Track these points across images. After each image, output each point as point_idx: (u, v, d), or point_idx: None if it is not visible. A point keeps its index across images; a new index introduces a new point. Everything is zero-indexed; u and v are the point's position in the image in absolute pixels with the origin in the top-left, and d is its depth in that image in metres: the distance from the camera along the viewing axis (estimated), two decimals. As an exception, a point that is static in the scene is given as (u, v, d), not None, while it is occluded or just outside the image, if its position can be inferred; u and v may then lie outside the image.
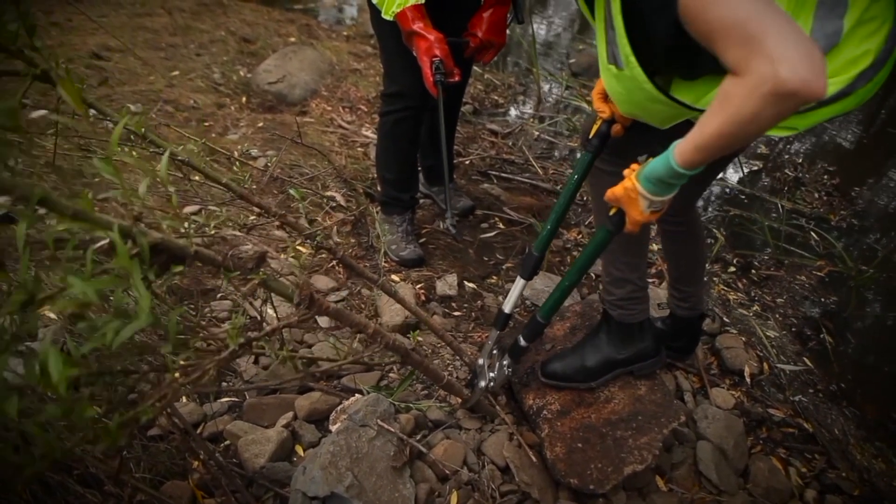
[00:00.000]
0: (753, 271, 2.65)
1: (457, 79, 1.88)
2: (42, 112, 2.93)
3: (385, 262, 2.30)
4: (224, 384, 1.75)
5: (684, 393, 1.94)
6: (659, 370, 1.76)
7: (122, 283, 0.63)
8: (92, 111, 1.10)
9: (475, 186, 2.92)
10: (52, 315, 1.80)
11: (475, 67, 3.77)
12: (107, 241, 0.67)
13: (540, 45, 4.85)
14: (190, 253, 0.79)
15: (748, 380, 2.04)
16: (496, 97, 4.03)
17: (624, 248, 1.57)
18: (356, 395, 1.65)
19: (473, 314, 2.16)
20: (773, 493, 1.66)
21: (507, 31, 2.06)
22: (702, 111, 1.07)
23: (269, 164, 2.77)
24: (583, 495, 1.52)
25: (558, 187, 3.01)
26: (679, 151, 1.02)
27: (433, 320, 1.89)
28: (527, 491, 1.49)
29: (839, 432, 1.91)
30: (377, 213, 2.45)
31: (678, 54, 1.06)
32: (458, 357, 1.86)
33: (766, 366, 2.13)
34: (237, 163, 2.67)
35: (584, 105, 3.89)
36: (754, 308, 2.42)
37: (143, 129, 1.14)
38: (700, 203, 3.11)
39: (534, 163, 3.20)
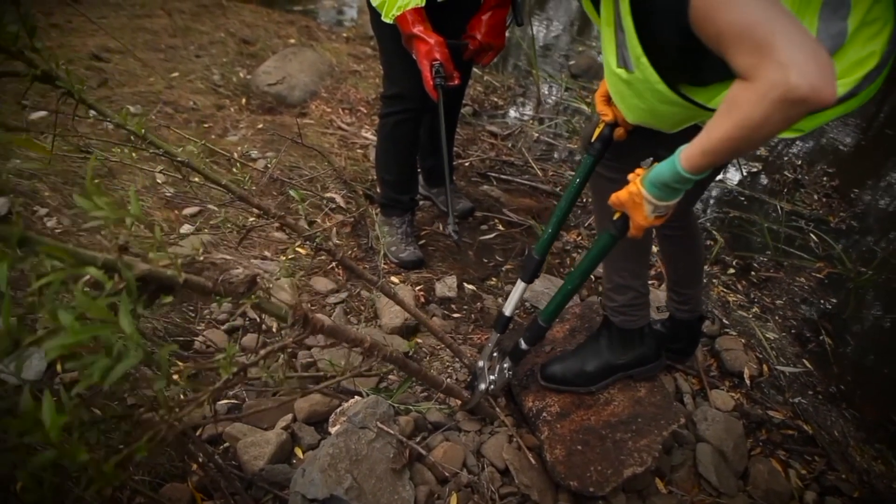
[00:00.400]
0: (753, 273, 2.65)
1: (456, 82, 1.88)
2: (42, 113, 2.94)
3: (384, 263, 2.30)
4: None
5: (684, 395, 1.94)
6: (658, 372, 1.76)
7: (109, 322, 0.63)
8: (92, 112, 1.10)
9: (475, 188, 2.92)
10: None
11: (475, 69, 3.77)
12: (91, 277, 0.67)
13: (539, 47, 4.85)
14: (179, 282, 0.79)
15: (748, 382, 2.04)
16: (496, 99, 4.03)
17: (626, 254, 1.56)
18: (355, 397, 1.65)
19: (473, 316, 2.16)
20: (772, 495, 1.66)
21: (507, 34, 2.06)
22: (713, 111, 1.06)
23: (268, 166, 2.77)
24: (582, 497, 1.52)
25: (558, 189, 3.01)
26: (685, 156, 1.01)
27: (433, 322, 1.89)
28: (526, 493, 1.49)
29: (839, 434, 1.91)
30: (377, 214, 2.45)
31: (688, 57, 1.06)
32: (457, 359, 1.86)
33: (765, 368, 2.13)
34: (237, 164, 2.68)
35: (584, 107, 3.90)
36: (754, 310, 2.42)
37: (143, 131, 1.14)
38: (699, 205, 3.11)
39: (533, 164, 3.20)
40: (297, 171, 2.80)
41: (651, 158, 1.54)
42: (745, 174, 3.45)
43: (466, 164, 3.12)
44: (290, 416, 1.64)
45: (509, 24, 2.04)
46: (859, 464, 1.81)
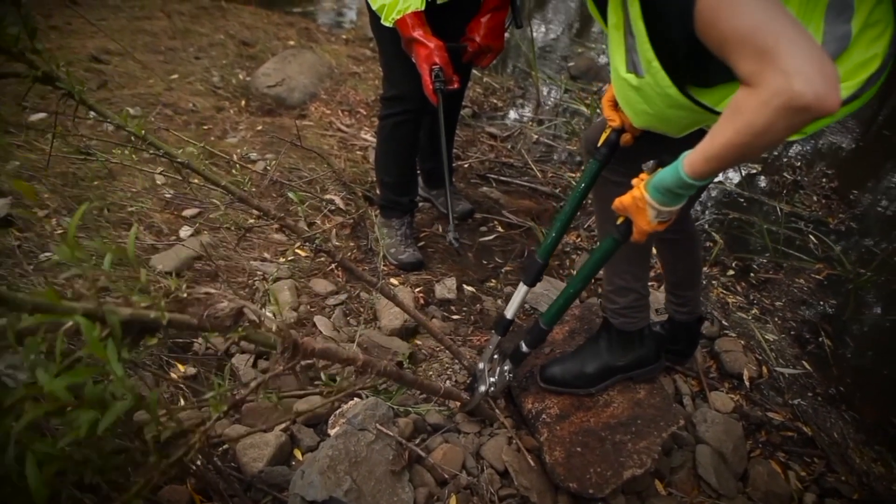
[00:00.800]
0: (752, 275, 2.65)
1: (456, 86, 1.88)
2: (41, 115, 2.94)
3: (384, 265, 2.30)
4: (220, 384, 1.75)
5: (683, 397, 1.94)
6: (658, 374, 1.76)
7: (93, 370, 0.62)
8: (91, 114, 1.10)
9: (474, 190, 2.92)
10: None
11: (474, 71, 3.78)
12: (73, 323, 0.66)
13: (538, 49, 4.86)
14: (163, 323, 0.78)
15: (747, 383, 2.04)
16: (495, 100, 4.03)
17: (628, 257, 1.56)
18: (355, 398, 1.65)
19: (472, 318, 2.16)
20: (772, 496, 1.66)
21: (506, 35, 2.06)
22: (720, 114, 1.06)
23: (268, 168, 2.77)
24: (582, 499, 1.51)
25: (557, 190, 3.01)
26: (689, 162, 1.01)
27: (432, 324, 1.89)
28: (526, 495, 1.49)
29: (838, 436, 1.91)
30: (376, 216, 2.45)
31: (696, 60, 1.05)
32: (457, 360, 1.86)
33: (765, 369, 2.13)
34: (236, 166, 2.68)
35: (583, 108, 3.90)
36: (753, 311, 2.42)
37: (143, 132, 1.14)
38: (698, 206, 3.11)
39: (533, 166, 3.20)
40: (297, 172, 2.80)
41: (652, 161, 1.54)
42: (744, 175, 3.46)
43: (466, 165, 3.12)
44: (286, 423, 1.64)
45: (508, 26, 2.04)
46: (859, 466, 1.81)
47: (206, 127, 3.12)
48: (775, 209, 3.14)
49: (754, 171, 3.52)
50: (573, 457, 1.52)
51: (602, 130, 1.52)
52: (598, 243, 1.40)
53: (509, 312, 1.62)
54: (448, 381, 1.83)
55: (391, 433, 1.47)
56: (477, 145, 3.38)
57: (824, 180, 3.46)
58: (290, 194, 1.67)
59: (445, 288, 2.23)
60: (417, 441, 1.60)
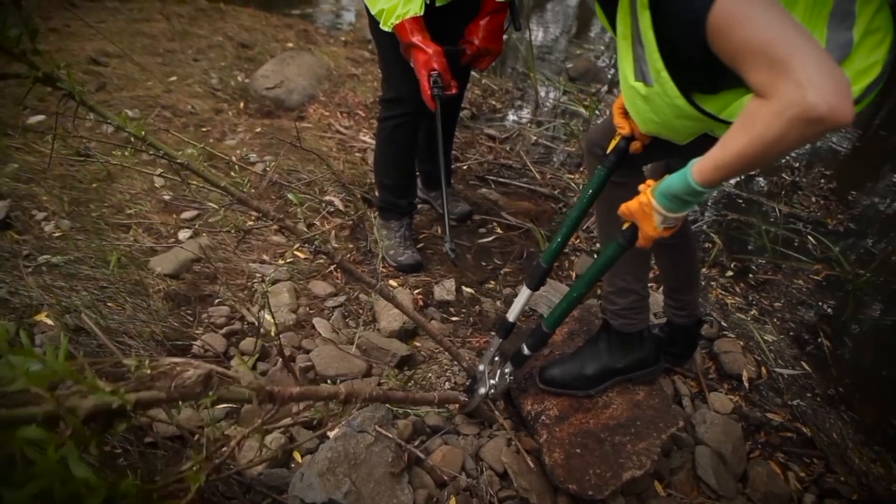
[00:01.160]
0: (751, 275, 2.66)
1: (454, 91, 1.89)
2: (40, 117, 2.94)
3: (383, 267, 2.30)
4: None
5: (682, 398, 1.94)
6: (657, 375, 1.76)
7: (59, 474, 0.61)
8: (90, 116, 1.10)
9: (473, 191, 2.92)
10: (49, 321, 1.80)
11: (473, 73, 3.78)
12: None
13: (537, 51, 4.86)
14: (129, 408, 0.77)
15: (746, 384, 2.04)
16: (494, 102, 4.03)
17: (628, 259, 1.56)
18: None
19: (471, 319, 2.15)
20: (771, 497, 1.66)
21: (504, 37, 2.06)
22: (727, 122, 1.08)
23: (267, 169, 2.77)
24: (581, 501, 1.51)
25: (556, 192, 3.02)
26: (698, 170, 1.01)
27: (431, 325, 1.89)
28: (525, 497, 1.49)
29: (837, 436, 1.91)
30: (375, 218, 2.45)
31: (704, 69, 1.06)
32: (455, 362, 1.86)
33: (764, 370, 2.13)
34: (235, 168, 2.68)
35: (582, 110, 3.90)
36: (752, 312, 2.42)
37: (143, 133, 1.14)
38: (697, 208, 3.11)
39: (531, 167, 3.20)
40: (296, 174, 2.80)
41: (650, 165, 1.55)
42: (742, 177, 3.46)
43: (464, 167, 3.13)
44: (288, 419, 1.64)
45: (507, 28, 2.05)
46: (858, 466, 1.81)
47: (204, 129, 3.12)
48: (774, 210, 3.14)
49: (753, 173, 3.52)
50: (572, 458, 1.52)
51: (604, 130, 1.52)
52: (600, 246, 1.41)
53: (511, 315, 1.62)
54: (447, 383, 1.83)
55: (390, 435, 1.47)
56: (476, 147, 3.38)
57: (823, 181, 3.46)
58: (290, 195, 1.66)
59: (444, 289, 2.23)
60: (417, 443, 1.60)
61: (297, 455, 1.57)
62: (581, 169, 3.31)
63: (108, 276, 1.99)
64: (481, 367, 1.63)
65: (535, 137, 3.59)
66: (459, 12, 1.98)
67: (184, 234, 2.31)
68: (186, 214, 2.43)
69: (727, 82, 1.11)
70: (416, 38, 1.82)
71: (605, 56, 5.05)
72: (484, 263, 2.48)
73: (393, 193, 2.33)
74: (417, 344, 2.02)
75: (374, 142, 3.12)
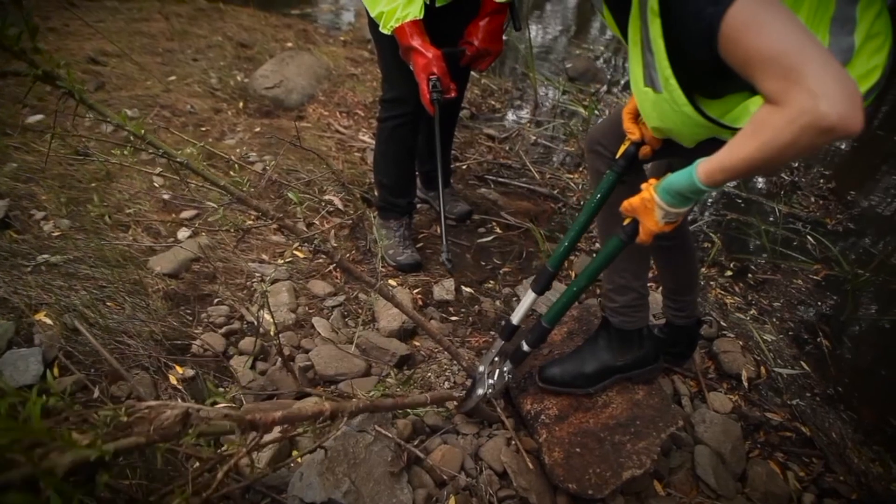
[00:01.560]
0: (750, 275, 2.66)
1: (453, 95, 1.89)
2: (39, 117, 2.94)
3: (382, 266, 2.30)
4: (220, 389, 1.75)
5: (682, 397, 1.94)
6: (656, 375, 1.76)
7: None
8: (89, 115, 1.10)
9: (472, 191, 2.92)
10: (48, 321, 1.80)
11: (472, 73, 3.78)
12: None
13: (536, 50, 4.86)
14: (108, 459, 0.77)
15: (745, 384, 2.04)
16: (493, 102, 4.03)
17: (628, 256, 1.57)
18: (354, 400, 1.64)
19: (471, 319, 2.15)
20: (771, 497, 1.66)
21: (504, 37, 2.06)
22: (732, 128, 1.10)
23: (266, 168, 2.77)
24: (581, 500, 1.51)
25: (555, 192, 3.02)
26: (704, 170, 1.03)
27: (430, 325, 1.89)
28: (525, 496, 1.49)
29: (837, 436, 1.91)
30: (374, 217, 2.45)
31: (711, 76, 1.07)
32: (455, 362, 1.86)
33: (763, 370, 2.13)
34: (235, 167, 2.67)
35: (581, 110, 3.90)
36: (751, 312, 2.42)
37: (142, 131, 1.14)
38: (696, 208, 3.12)
39: (531, 167, 3.20)
40: (295, 174, 2.80)
41: (650, 165, 1.55)
42: (742, 177, 3.46)
43: (464, 167, 3.13)
44: (275, 440, 1.63)
45: (507, 28, 2.05)
46: (857, 465, 1.81)
47: (203, 128, 3.11)
48: (773, 210, 3.14)
49: (752, 172, 3.52)
50: (572, 457, 1.52)
51: (606, 128, 1.53)
52: (599, 244, 1.41)
53: (515, 318, 1.62)
54: (447, 382, 1.82)
55: (390, 434, 1.46)
56: (475, 146, 3.38)
57: (822, 181, 3.46)
58: (290, 194, 1.67)
59: (444, 289, 2.23)
60: (416, 442, 1.60)
61: (296, 454, 1.56)
62: (581, 168, 3.31)
63: (108, 275, 1.98)
64: (481, 369, 1.63)
65: (534, 137, 3.59)
66: (459, 13, 1.98)
67: (183, 234, 2.31)
68: (186, 214, 2.43)
69: (732, 87, 1.12)
70: (416, 42, 1.82)
71: (605, 56, 5.05)
72: (483, 263, 2.48)
73: (392, 193, 2.33)
74: (417, 343, 2.02)
75: (373, 141, 3.12)
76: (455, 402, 1.68)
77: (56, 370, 1.69)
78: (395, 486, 1.40)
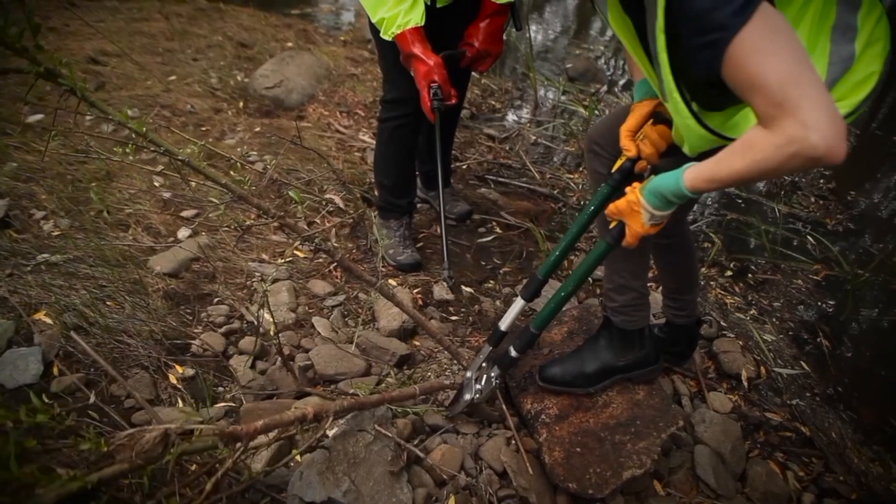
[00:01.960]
0: (750, 275, 2.66)
1: (454, 101, 1.90)
2: (39, 116, 2.94)
3: (382, 266, 2.30)
4: (220, 389, 1.75)
5: (682, 397, 1.94)
6: (657, 375, 1.76)
7: None
8: (89, 115, 1.10)
9: (472, 191, 2.92)
10: (48, 320, 1.80)
11: (472, 74, 3.78)
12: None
13: (537, 51, 4.86)
14: (93, 486, 0.78)
15: (745, 384, 2.04)
16: (493, 102, 4.04)
17: (627, 255, 1.57)
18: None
19: (471, 318, 2.15)
20: (770, 497, 1.65)
21: (504, 37, 2.06)
22: (730, 139, 1.12)
23: (267, 167, 2.77)
24: (581, 500, 1.51)
25: (555, 192, 3.02)
26: (691, 177, 1.08)
27: (430, 324, 1.89)
28: (524, 495, 1.48)
29: (836, 436, 1.91)
30: (375, 217, 2.45)
31: (713, 90, 1.09)
32: (455, 361, 1.86)
33: (763, 370, 2.13)
34: (237, 166, 2.67)
35: (581, 110, 3.90)
36: (751, 312, 2.42)
37: (144, 129, 1.14)
38: (697, 208, 3.12)
39: (531, 167, 3.21)
40: (295, 173, 2.80)
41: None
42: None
43: (464, 166, 3.13)
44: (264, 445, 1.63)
45: (507, 28, 2.05)
46: (857, 465, 1.81)
47: (204, 128, 3.11)
48: (773, 210, 3.14)
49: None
50: (572, 457, 1.52)
51: (605, 128, 1.54)
52: (593, 246, 1.43)
53: (503, 325, 1.63)
54: (446, 382, 1.82)
55: (389, 434, 1.46)
56: (475, 146, 3.38)
57: (822, 181, 3.46)
58: (291, 193, 1.66)
59: (443, 289, 2.23)
60: (416, 442, 1.60)
61: (296, 454, 1.56)
62: (581, 168, 3.31)
63: (107, 274, 1.98)
64: (468, 374, 1.64)
65: (534, 137, 3.59)
66: (460, 14, 1.98)
67: (183, 233, 2.31)
68: (186, 213, 2.43)
69: (732, 101, 1.15)
70: (417, 49, 1.82)
71: (605, 56, 5.05)
72: (483, 263, 2.48)
73: (392, 194, 2.33)
74: (417, 343, 2.02)
75: (373, 141, 3.12)
76: (447, 393, 1.67)
77: (56, 369, 1.69)
78: (395, 485, 1.40)
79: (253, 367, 1.81)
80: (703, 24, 0.92)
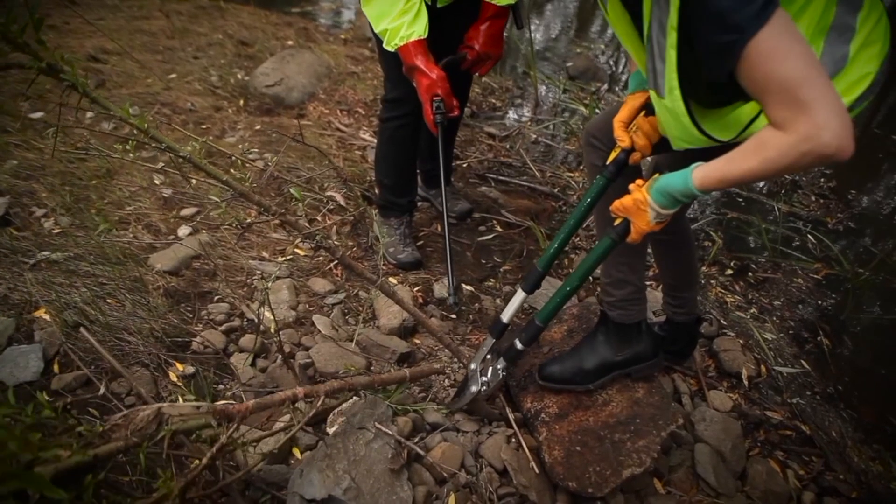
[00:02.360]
0: (750, 274, 2.66)
1: (456, 113, 1.90)
2: (40, 114, 2.94)
3: (383, 264, 2.30)
4: (220, 386, 1.75)
5: (682, 396, 1.94)
6: (657, 373, 1.76)
7: None
8: (89, 114, 1.10)
9: (473, 189, 2.92)
10: (48, 318, 1.80)
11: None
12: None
13: (537, 49, 4.86)
14: (91, 460, 0.80)
15: (746, 382, 2.04)
16: (494, 100, 4.03)
17: (625, 250, 1.57)
18: (354, 397, 1.64)
19: (471, 317, 2.15)
20: (771, 495, 1.66)
21: (505, 35, 2.06)
22: (719, 141, 1.15)
23: (268, 164, 2.77)
24: (581, 498, 1.51)
25: (556, 190, 3.01)
26: (701, 177, 1.10)
27: (431, 322, 1.89)
28: (524, 494, 1.49)
29: (836, 435, 1.91)
30: (375, 214, 2.45)
31: (715, 90, 1.11)
32: (455, 359, 1.86)
33: (763, 368, 2.13)
34: (238, 163, 2.67)
35: (581, 108, 3.90)
36: (752, 311, 2.42)
37: (146, 125, 1.14)
38: (697, 206, 3.12)
39: (531, 166, 3.20)
40: (295, 171, 2.80)
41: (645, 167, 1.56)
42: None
43: (465, 165, 3.12)
44: (287, 416, 1.63)
45: (507, 26, 2.05)
46: (857, 464, 1.81)
47: (204, 126, 3.11)
48: (773, 209, 3.14)
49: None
50: (572, 456, 1.52)
51: (602, 122, 1.55)
52: (598, 240, 1.44)
53: (505, 316, 1.63)
54: (446, 380, 1.83)
55: (390, 432, 1.46)
56: (476, 145, 3.38)
57: (822, 180, 3.46)
58: (292, 190, 1.66)
59: (444, 287, 2.23)
60: (416, 439, 1.60)
61: (296, 451, 1.57)
62: (581, 167, 3.31)
63: (108, 272, 1.98)
64: (472, 366, 1.64)
65: (535, 136, 3.59)
66: (460, 14, 1.98)
67: (183, 231, 2.31)
68: (186, 211, 2.43)
69: (730, 101, 1.16)
70: (420, 62, 1.82)
71: (605, 54, 5.05)
72: (484, 261, 2.48)
73: (393, 193, 2.33)
74: (417, 341, 2.02)
75: (373, 139, 3.12)
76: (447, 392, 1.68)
77: (57, 367, 1.69)
78: (396, 483, 1.40)
79: (253, 364, 1.82)
80: (723, 23, 0.93)
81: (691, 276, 1.82)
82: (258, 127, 3.16)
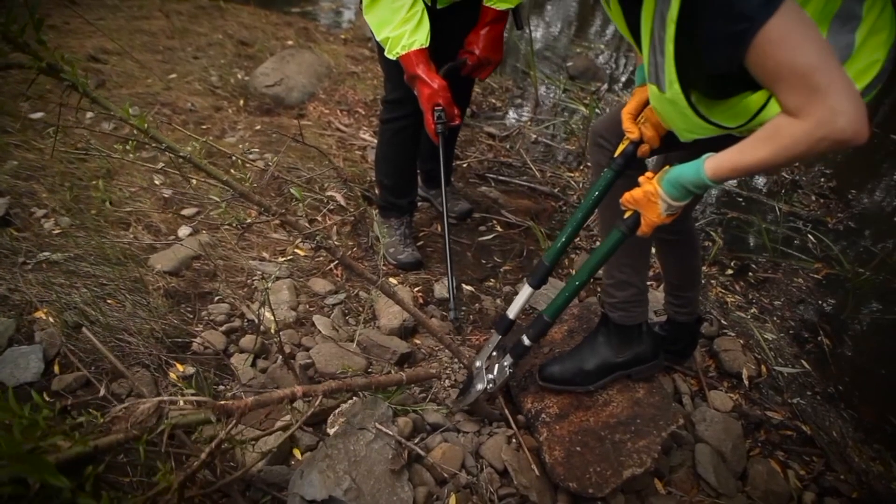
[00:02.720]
0: (751, 274, 2.66)
1: (457, 122, 1.90)
2: (40, 114, 2.93)
3: (383, 265, 2.30)
4: (221, 387, 1.75)
5: (682, 396, 1.94)
6: (657, 373, 1.75)
7: None
8: (89, 114, 1.10)
9: (473, 189, 2.92)
10: (49, 319, 1.80)
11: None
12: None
13: (537, 49, 4.86)
14: (91, 451, 0.81)
15: (746, 382, 2.04)
16: (494, 100, 4.03)
17: (628, 251, 1.57)
18: (354, 398, 1.64)
19: (471, 317, 2.15)
20: (771, 495, 1.66)
21: (505, 36, 2.06)
22: (727, 128, 1.14)
23: (269, 164, 2.77)
24: (581, 499, 1.51)
25: (556, 190, 3.01)
26: (713, 167, 1.09)
27: (431, 322, 1.89)
28: (525, 494, 1.49)
29: (837, 435, 1.91)
30: (376, 215, 2.44)
31: (715, 81, 1.10)
32: (455, 359, 1.86)
33: (764, 368, 2.13)
34: (238, 163, 2.67)
35: (582, 108, 3.90)
36: (752, 311, 2.42)
37: (146, 125, 1.14)
38: (697, 207, 3.11)
39: (531, 165, 3.20)
40: (296, 171, 2.80)
41: (653, 159, 1.56)
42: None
43: (465, 165, 3.12)
44: (288, 416, 1.63)
45: (508, 29, 2.05)
46: (858, 464, 1.81)
47: (204, 126, 3.11)
48: (774, 209, 3.14)
49: (753, 171, 3.52)
50: (573, 456, 1.52)
51: (610, 121, 1.55)
52: (600, 237, 1.43)
53: (511, 312, 1.63)
54: (447, 380, 1.82)
55: (390, 432, 1.46)
56: (476, 145, 3.38)
57: (822, 180, 3.46)
58: (292, 190, 1.66)
59: (444, 287, 2.23)
60: (417, 440, 1.60)
61: (297, 452, 1.57)
62: (581, 167, 3.30)
63: (108, 273, 1.98)
64: (478, 364, 1.64)
65: (535, 136, 3.59)
66: (460, 16, 1.98)
67: (183, 232, 2.31)
68: (186, 211, 2.43)
69: (731, 92, 1.15)
70: (421, 71, 1.81)
71: (606, 54, 5.04)
72: (484, 261, 2.48)
73: (393, 193, 2.33)
74: (417, 341, 2.02)
75: (373, 140, 3.12)
76: (448, 392, 1.67)
77: (57, 368, 1.69)
78: (396, 483, 1.40)
79: (253, 365, 1.81)
80: (732, 13, 0.93)
81: (695, 276, 1.82)
82: (258, 127, 3.16)
